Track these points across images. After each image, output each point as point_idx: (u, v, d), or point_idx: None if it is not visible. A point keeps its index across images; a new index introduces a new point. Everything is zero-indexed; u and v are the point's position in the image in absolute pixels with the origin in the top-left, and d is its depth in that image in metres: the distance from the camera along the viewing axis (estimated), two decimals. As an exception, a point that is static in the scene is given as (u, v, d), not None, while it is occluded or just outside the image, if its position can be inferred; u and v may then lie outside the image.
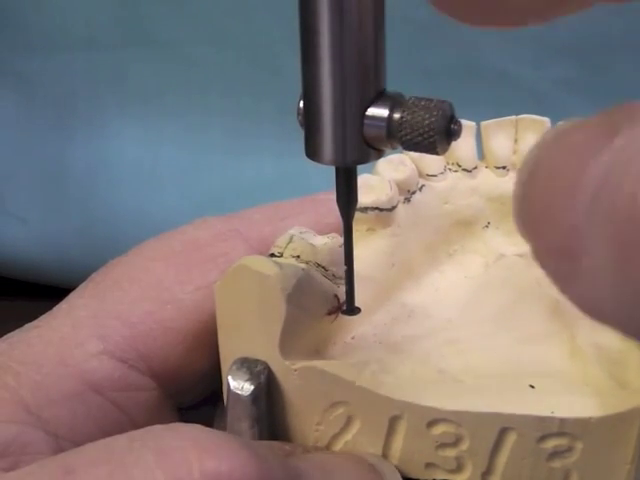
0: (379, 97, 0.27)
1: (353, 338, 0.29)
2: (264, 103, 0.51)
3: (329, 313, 0.28)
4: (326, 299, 0.27)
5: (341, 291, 0.28)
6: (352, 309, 0.31)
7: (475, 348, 0.30)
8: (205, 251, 0.31)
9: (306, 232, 0.28)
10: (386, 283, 0.32)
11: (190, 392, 0.31)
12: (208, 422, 0.29)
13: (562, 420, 0.26)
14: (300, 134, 0.28)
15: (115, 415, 0.28)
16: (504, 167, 0.36)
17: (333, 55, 0.26)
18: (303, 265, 0.27)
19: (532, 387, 0.27)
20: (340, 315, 0.28)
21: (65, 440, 0.27)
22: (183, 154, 0.52)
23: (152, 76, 0.51)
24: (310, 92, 0.27)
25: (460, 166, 0.36)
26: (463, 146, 0.35)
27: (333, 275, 0.28)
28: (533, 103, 0.49)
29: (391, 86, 0.28)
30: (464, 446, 0.26)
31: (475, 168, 0.36)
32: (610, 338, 0.30)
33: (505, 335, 0.31)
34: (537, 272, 0.35)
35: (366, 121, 0.27)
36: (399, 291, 0.32)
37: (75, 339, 0.28)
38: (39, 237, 0.52)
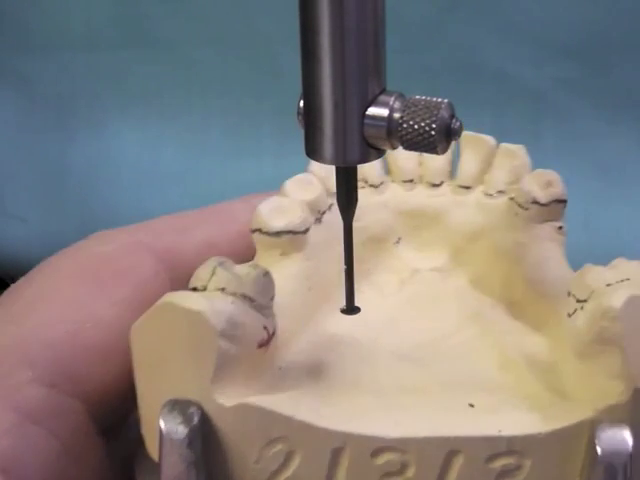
0: (379, 97, 0.27)
1: (281, 369, 0.28)
2: (264, 103, 0.51)
3: (260, 346, 0.26)
4: (257, 331, 0.26)
5: (269, 321, 0.27)
6: (352, 308, 0.31)
7: (406, 367, 0.29)
8: (113, 265, 0.31)
9: (225, 261, 0.27)
10: (305, 309, 0.31)
11: (116, 412, 0.30)
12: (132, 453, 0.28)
13: (510, 438, 0.25)
14: (300, 134, 0.28)
15: (52, 444, 0.27)
16: (411, 180, 0.36)
17: (333, 55, 0.26)
18: (231, 298, 0.26)
19: (472, 406, 0.27)
20: (266, 346, 0.27)
21: (12, 476, 0.26)
22: (183, 154, 0.52)
23: (152, 76, 0.51)
24: (310, 92, 0.27)
25: (367, 182, 0.35)
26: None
27: (260, 306, 0.26)
28: (533, 103, 0.50)
29: (391, 86, 0.28)
30: (410, 473, 0.26)
31: (382, 183, 0.36)
32: (538, 346, 0.30)
33: (433, 351, 0.31)
34: (453, 284, 0.35)
35: (366, 121, 0.27)
36: (319, 316, 0.31)
37: (2, 369, 0.27)
38: (39, 237, 0.52)
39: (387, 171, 0.36)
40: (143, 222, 0.34)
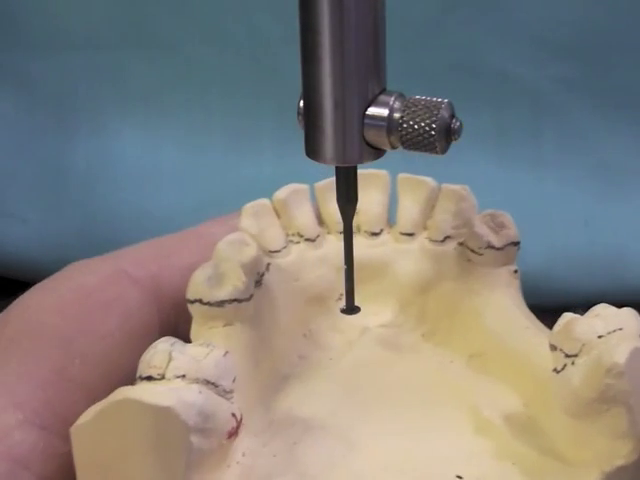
0: (379, 96, 0.27)
1: (244, 455, 0.26)
2: (264, 103, 0.50)
3: (229, 435, 0.25)
4: (226, 421, 0.24)
5: (235, 407, 0.25)
6: (352, 308, 0.31)
7: (380, 444, 0.27)
8: (97, 297, 0.30)
9: (175, 342, 0.25)
10: (256, 386, 0.28)
11: None
12: None
13: None
14: (300, 134, 0.28)
15: None
16: None
17: (333, 54, 0.26)
18: (197, 387, 0.23)
19: (460, 478, 0.25)
20: (235, 435, 0.25)
21: None
22: (183, 154, 0.52)
23: (152, 76, 0.51)
24: (310, 92, 0.27)
25: (302, 236, 0.33)
26: (302, 213, 0.33)
27: (224, 390, 0.24)
28: (533, 103, 0.49)
29: (391, 86, 0.28)
30: None
31: (318, 236, 0.33)
32: (511, 403, 0.28)
33: (400, 420, 0.28)
34: (406, 340, 0.33)
35: (366, 120, 0.27)
36: (270, 392, 0.29)
37: None
38: (39, 237, 0.52)
39: (320, 222, 0.34)
40: (122, 249, 0.33)
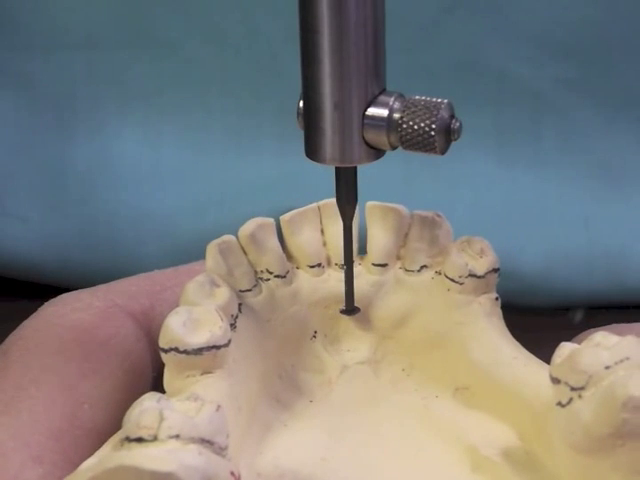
0: (379, 97, 0.27)
1: None
2: (264, 103, 0.50)
3: None
4: None
5: (233, 465, 0.24)
6: (352, 309, 0.31)
7: None
8: (94, 334, 0.30)
9: (161, 398, 0.23)
10: (238, 435, 0.27)
11: None
12: None
13: None
14: (300, 134, 0.28)
15: None
16: (319, 265, 0.32)
17: (333, 55, 0.26)
18: (196, 448, 0.22)
19: None
20: None
21: None
22: (183, 154, 0.52)
23: (152, 76, 0.51)
24: (310, 92, 0.27)
25: (271, 273, 0.31)
26: (269, 249, 0.31)
27: (220, 448, 0.23)
28: (533, 103, 0.49)
29: (391, 86, 0.28)
30: None
31: (288, 272, 0.32)
32: (507, 437, 0.27)
33: (393, 461, 0.27)
34: (387, 377, 0.32)
35: (366, 121, 0.27)
36: (253, 441, 0.28)
37: (9, 469, 0.25)
38: (39, 237, 0.52)
39: (288, 257, 0.32)
40: (112, 283, 0.33)
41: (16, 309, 0.33)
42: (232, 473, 0.23)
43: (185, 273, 0.33)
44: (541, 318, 0.48)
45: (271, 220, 0.31)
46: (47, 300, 0.33)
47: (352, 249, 0.30)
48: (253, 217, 0.32)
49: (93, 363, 0.29)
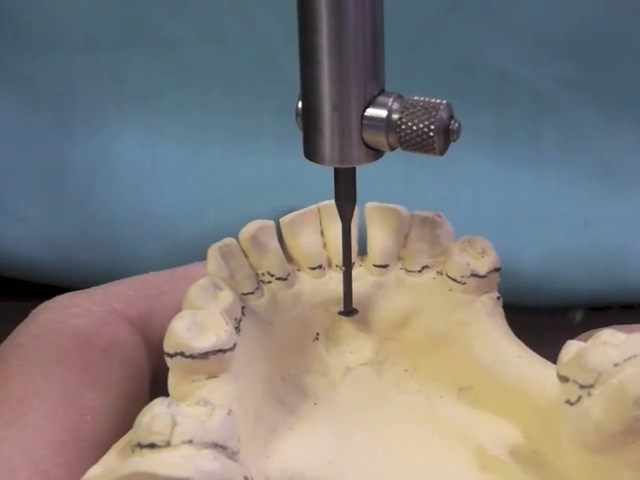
0: (378, 97, 0.27)
1: None
2: (264, 103, 0.50)
3: None
4: None
5: (247, 469, 0.23)
6: (350, 310, 0.31)
7: None
8: (94, 342, 0.29)
9: (171, 403, 0.23)
10: (245, 439, 0.26)
11: None
12: None
13: None
14: (300, 134, 0.28)
15: None
16: (320, 266, 0.32)
17: (332, 56, 0.26)
18: (211, 453, 0.22)
19: None
20: None
21: None
22: (183, 153, 0.52)
23: (152, 76, 0.51)
24: (309, 93, 0.27)
25: (273, 275, 0.31)
26: (271, 251, 0.31)
27: (232, 452, 0.23)
28: (533, 103, 0.49)
29: (390, 86, 0.28)
30: None
31: (289, 274, 0.31)
32: (514, 436, 0.27)
33: (401, 461, 0.27)
34: (390, 378, 0.32)
35: (365, 122, 0.27)
36: (260, 445, 0.28)
37: None
38: (39, 237, 0.52)
39: (289, 259, 0.32)
40: (107, 285, 0.32)
41: (16, 309, 0.33)
42: (246, 477, 0.23)
43: (182, 276, 0.33)
44: (541, 318, 0.48)
45: (271, 222, 0.31)
46: (46, 300, 0.33)
47: (350, 250, 0.30)
48: (253, 217, 0.31)
49: (94, 373, 0.29)
